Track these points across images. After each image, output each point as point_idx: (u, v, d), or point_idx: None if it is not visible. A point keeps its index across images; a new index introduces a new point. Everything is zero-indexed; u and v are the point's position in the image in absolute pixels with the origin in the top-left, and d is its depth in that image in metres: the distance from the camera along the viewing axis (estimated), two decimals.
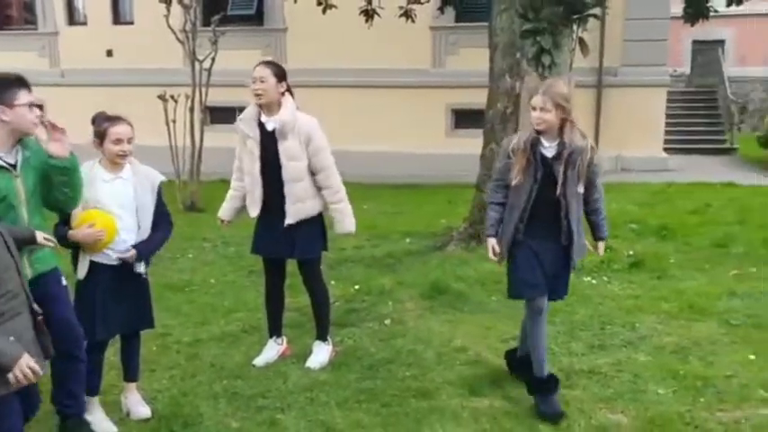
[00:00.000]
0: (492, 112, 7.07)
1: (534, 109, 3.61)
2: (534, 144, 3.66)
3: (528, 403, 3.94)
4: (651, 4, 12.68)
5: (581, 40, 6.27)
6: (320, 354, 4.57)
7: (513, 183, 3.70)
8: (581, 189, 3.68)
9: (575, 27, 6.38)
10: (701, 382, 4.19)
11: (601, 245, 4.03)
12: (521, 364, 4.19)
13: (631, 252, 7.07)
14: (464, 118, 13.93)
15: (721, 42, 24.98)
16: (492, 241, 3.87)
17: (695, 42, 24.89)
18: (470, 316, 5.46)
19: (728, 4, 7.90)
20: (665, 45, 13.25)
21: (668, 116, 15.35)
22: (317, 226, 4.46)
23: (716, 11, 8.20)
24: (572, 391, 4.13)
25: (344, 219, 4.49)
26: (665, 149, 14.37)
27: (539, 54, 6.23)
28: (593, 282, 6.29)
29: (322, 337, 4.64)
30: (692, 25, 8.44)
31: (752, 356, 4.58)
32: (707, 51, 21.18)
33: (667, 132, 14.90)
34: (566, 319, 5.35)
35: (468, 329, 5.13)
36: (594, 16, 6.22)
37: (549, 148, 3.66)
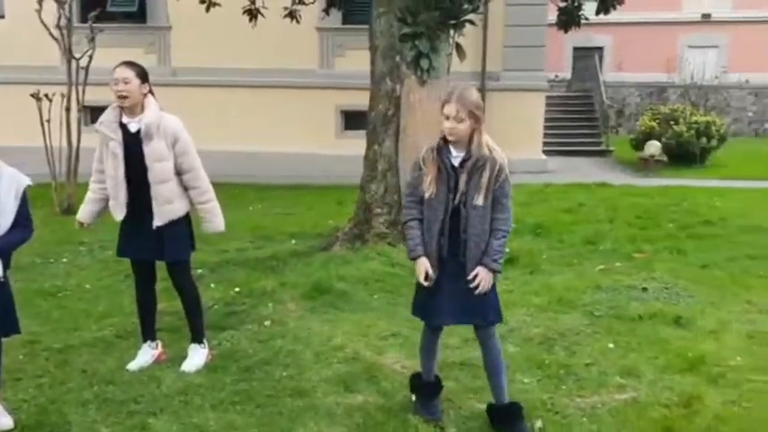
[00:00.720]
0: (374, 114, 7.18)
1: (447, 118, 3.41)
2: (441, 151, 3.49)
3: (400, 397, 4.05)
4: (529, 12, 13.25)
5: (458, 45, 6.46)
6: (195, 357, 4.52)
7: (427, 195, 3.49)
8: (479, 201, 3.43)
9: (452, 32, 6.57)
10: (563, 371, 4.43)
11: (482, 271, 3.49)
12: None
13: (507, 249, 7.34)
14: (354, 119, 14.05)
15: (600, 49, 26.34)
16: (424, 263, 3.52)
17: (576, 49, 26.11)
18: (351, 315, 5.53)
19: (597, 13, 8.33)
20: (543, 51, 13.85)
21: (549, 119, 16.05)
22: (184, 227, 4.41)
23: (587, 18, 8.63)
24: (444, 383, 4.27)
25: (214, 219, 4.46)
26: (546, 152, 15.00)
27: (417, 58, 6.38)
28: None
29: (197, 339, 4.58)
30: (566, 32, 8.85)
31: (611, 345, 4.88)
32: (585, 58, 22.24)
33: (548, 135, 15.58)
34: None
35: (348, 328, 5.19)
36: (470, 22, 6.42)
37: (456, 157, 3.48)
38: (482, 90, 13.68)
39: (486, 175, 3.42)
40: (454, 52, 6.53)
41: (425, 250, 3.54)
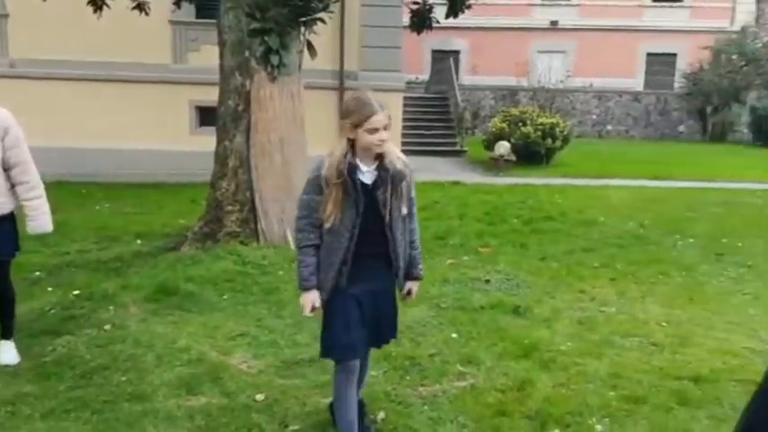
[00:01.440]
0: (223, 109, 7.04)
1: (376, 130, 3.01)
2: (352, 170, 3.07)
3: (244, 397, 4.01)
4: (384, 13, 13.48)
5: (309, 43, 6.46)
6: (7, 352, 4.41)
7: (328, 225, 3.10)
8: (404, 212, 3.20)
9: (302, 29, 6.56)
10: (408, 362, 4.54)
11: (415, 285, 3.47)
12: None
13: None
14: (209, 115, 13.63)
15: (457, 52, 27.25)
16: (313, 296, 3.20)
17: (434, 51, 26.90)
18: (198, 316, 5.39)
19: (446, 17, 8.59)
20: (400, 52, 14.13)
21: (407, 120, 16.41)
22: (9, 225, 4.16)
23: (438, 21, 8.88)
24: (291, 381, 4.27)
25: (40, 216, 4.23)
26: (404, 151, 15.16)
27: (267, 53, 6.33)
28: None
29: (8, 335, 4.47)
30: (418, 34, 9.05)
31: (454, 335, 5.06)
32: (442, 60, 22.93)
33: (406, 135, 15.91)
34: (294, 312, 5.48)
35: (193, 330, 5.07)
36: (321, 20, 6.44)
37: (367, 174, 3.11)
38: (340, 89, 13.79)
39: (404, 186, 3.16)
40: (305, 49, 6.51)
41: (320, 281, 3.18)
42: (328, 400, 3.95)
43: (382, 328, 3.35)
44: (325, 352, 3.31)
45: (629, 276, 6.75)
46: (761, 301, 6.08)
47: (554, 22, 27.76)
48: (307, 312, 3.22)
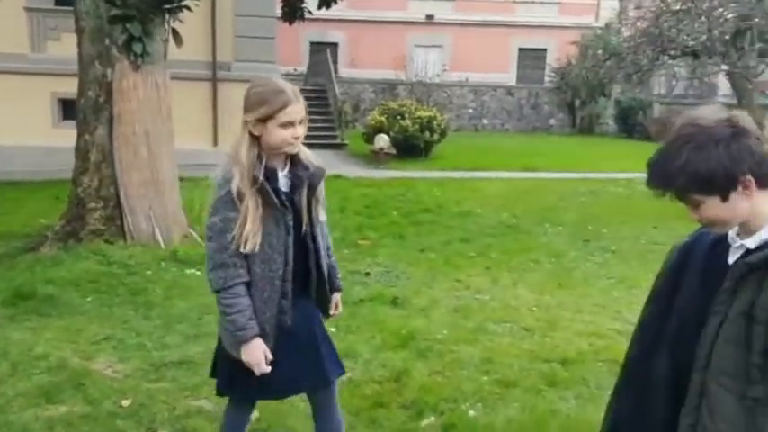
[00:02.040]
0: (83, 101, 6.64)
1: (291, 124, 2.48)
2: (272, 176, 2.51)
3: (109, 403, 3.78)
4: (257, 3, 13.21)
5: (174, 31, 6.19)
6: None
7: (248, 249, 2.45)
8: (323, 217, 2.72)
9: (167, 16, 6.27)
10: None
11: (337, 296, 2.90)
12: None
13: None
14: (73, 108, 12.96)
15: (335, 45, 27.17)
16: (260, 347, 2.52)
17: (312, 44, 26.68)
18: (59, 320, 5.06)
19: (319, 7, 8.49)
20: (274, 43, 13.89)
21: None
22: None
23: (310, 12, 8.76)
24: (159, 384, 4.07)
25: None
26: None
27: (129, 41, 6.01)
28: (198, 273, 6.29)
29: None
30: (290, 24, 8.91)
31: (333, 329, 4.92)
32: (319, 53, 22.79)
33: None
34: (163, 312, 5.28)
35: (53, 335, 4.75)
36: (187, 8, 6.18)
37: (285, 178, 2.58)
38: (213, 80, 13.39)
39: (321, 188, 2.69)
40: (170, 38, 6.24)
41: (260, 321, 2.53)
42: (199, 402, 3.80)
43: (319, 357, 2.71)
44: (229, 390, 2.77)
45: (502, 265, 6.92)
46: (624, 283, 6.39)
47: (430, 17, 28.21)
48: (263, 369, 2.51)
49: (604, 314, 5.51)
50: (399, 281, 6.30)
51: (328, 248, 2.83)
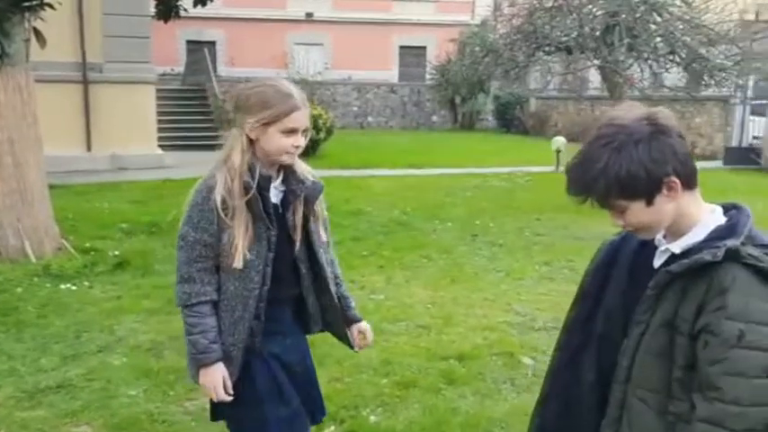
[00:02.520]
0: None
1: (294, 132, 2.26)
2: (265, 184, 2.27)
3: None
4: (129, 1, 12.60)
5: (36, 31, 5.76)
6: None
7: (239, 263, 2.23)
8: (325, 237, 2.45)
9: (27, 15, 5.82)
10: (173, 376, 4.20)
11: (363, 326, 2.65)
12: None
13: (117, 252, 6.86)
14: None
15: (213, 43, 26.50)
16: (221, 371, 2.28)
17: (189, 42, 25.90)
18: None
19: (195, 5, 8.18)
20: (148, 42, 13.31)
21: (164, 113, 15.56)
22: None
23: (185, 9, 8.43)
24: (34, 412, 3.75)
25: None
26: (162, 146, 14.52)
27: None
28: (74, 288, 5.90)
29: None
30: (165, 22, 8.54)
31: None
32: (197, 51, 22.11)
33: (164, 129, 15.09)
34: (37, 333, 4.90)
35: None
36: (49, 5, 5.76)
37: (276, 190, 2.34)
38: (84, 82, 12.68)
39: (321, 205, 2.43)
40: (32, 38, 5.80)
41: (227, 343, 2.29)
42: (80, 428, 3.53)
43: (313, 395, 2.51)
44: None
45: (395, 262, 6.90)
46: (511, 276, 6.52)
47: (309, 15, 28.05)
48: (222, 396, 2.27)
49: (495, 307, 5.59)
50: None
51: (336, 276, 2.56)
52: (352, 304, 2.63)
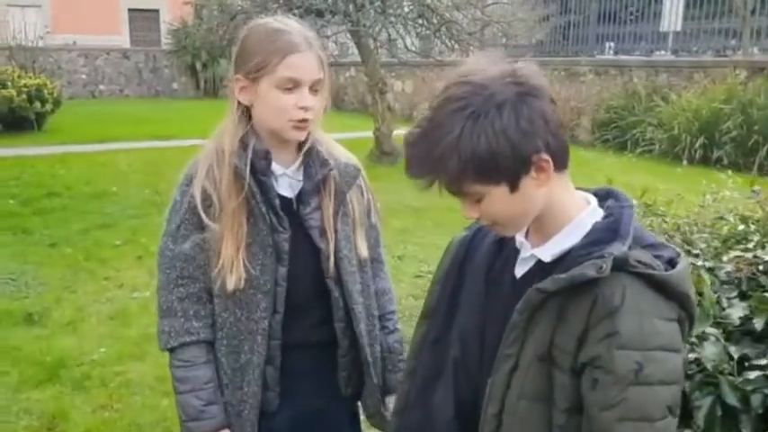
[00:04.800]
0: None
1: (296, 84, 1.58)
2: (264, 167, 1.62)
3: None
4: None
5: None
6: None
7: (231, 286, 1.60)
8: (364, 252, 1.75)
9: None
10: None
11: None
12: None
13: None
14: None
15: None
16: None
17: None
18: None
19: None
20: None
21: None
22: None
23: None
24: None
25: None
26: None
27: None
28: None
29: None
30: None
31: None
32: None
33: None
34: None
35: None
36: None
37: (284, 178, 1.68)
38: None
39: (355, 201, 1.75)
40: None
41: (229, 407, 1.67)
42: None
43: None
44: None
45: (155, 251, 6.09)
46: None
47: None
48: None
49: None
50: (30, 290, 5.12)
51: (386, 316, 1.82)
52: (397, 366, 1.81)
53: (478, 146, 1.11)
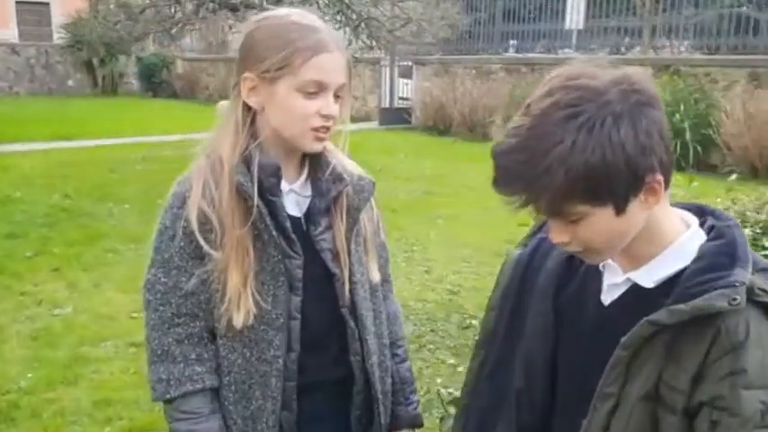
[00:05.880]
0: None
1: (322, 89, 1.39)
2: (273, 185, 1.42)
3: None
4: None
5: None
6: None
7: (240, 323, 1.40)
8: (376, 275, 1.58)
9: None
10: None
11: None
12: None
13: None
14: None
15: None
16: None
17: None
18: None
19: None
20: None
21: None
22: None
23: None
24: None
25: None
26: None
27: None
28: None
29: None
30: None
31: None
32: None
33: None
34: None
35: None
36: None
37: (291, 195, 1.48)
38: None
39: (365, 217, 1.56)
40: None
41: None
42: None
43: None
44: None
45: (73, 262, 5.67)
46: None
47: None
48: None
49: None
50: None
51: (396, 343, 1.66)
52: (414, 398, 1.68)
53: (592, 159, 0.96)
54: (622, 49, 13.85)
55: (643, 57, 12.01)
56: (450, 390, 2.61)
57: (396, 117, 15.20)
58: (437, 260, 5.76)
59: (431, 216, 7.15)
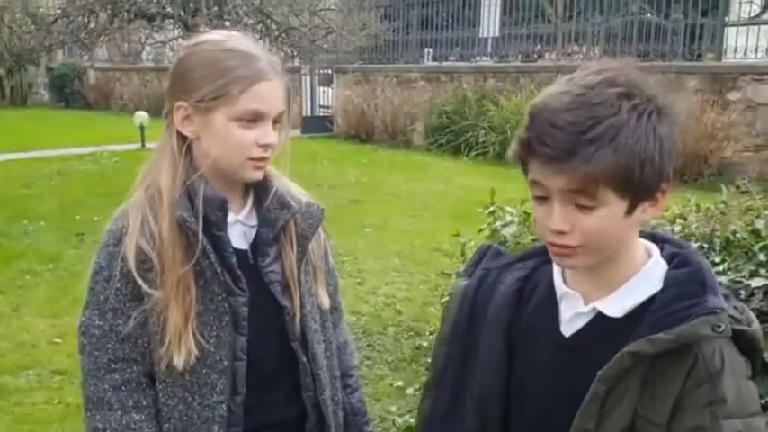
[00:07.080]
0: None
1: (260, 117, 1.35)
2: (220, 219, 1.37)
3: None
4: None
5: None
6: None
7: (180, 363, 1.33)
8: (325, 302, 1.52)
9: None
10: None
11: None
12: None
13: None
14: None
15: None
16: None
17: None
18: None
19: None
20: None
21: None
22: None
23: None
24: None
25: None
26: None
27: None
28: None
29: None
30: None
31: None
32: None
33: None
34: None
35: None
36: None
37: (239, 222, 1.44)
38: None
39: (322, 247, 1.54)
40: None
41: None
42: None
43: None
44: None
45: None
46: None
47: None
48: None
49: None
50: None
51: (347, 372, 1.63)
52: (368, 429, 1.66)
53: (637, 145, 0.95)
54: (535, 56, 14.22)
55: (557, 63, 12.36)
56: (406, 417, 2.63)
57: (318, 125, 15.16)
58: (368, 271, 5.77)
59: (359, 225, 7.15)
